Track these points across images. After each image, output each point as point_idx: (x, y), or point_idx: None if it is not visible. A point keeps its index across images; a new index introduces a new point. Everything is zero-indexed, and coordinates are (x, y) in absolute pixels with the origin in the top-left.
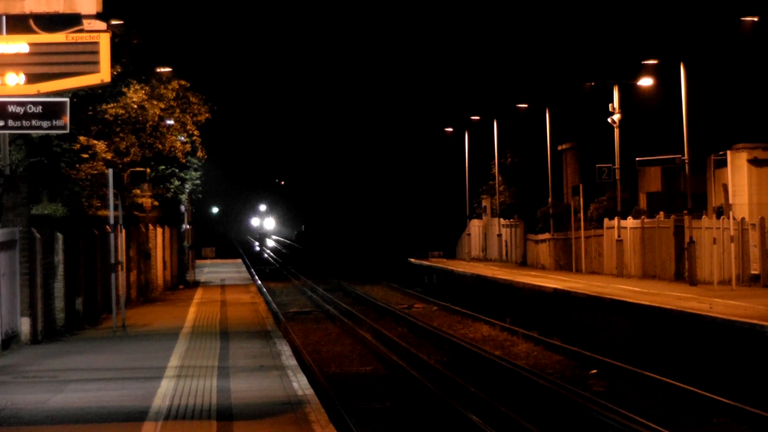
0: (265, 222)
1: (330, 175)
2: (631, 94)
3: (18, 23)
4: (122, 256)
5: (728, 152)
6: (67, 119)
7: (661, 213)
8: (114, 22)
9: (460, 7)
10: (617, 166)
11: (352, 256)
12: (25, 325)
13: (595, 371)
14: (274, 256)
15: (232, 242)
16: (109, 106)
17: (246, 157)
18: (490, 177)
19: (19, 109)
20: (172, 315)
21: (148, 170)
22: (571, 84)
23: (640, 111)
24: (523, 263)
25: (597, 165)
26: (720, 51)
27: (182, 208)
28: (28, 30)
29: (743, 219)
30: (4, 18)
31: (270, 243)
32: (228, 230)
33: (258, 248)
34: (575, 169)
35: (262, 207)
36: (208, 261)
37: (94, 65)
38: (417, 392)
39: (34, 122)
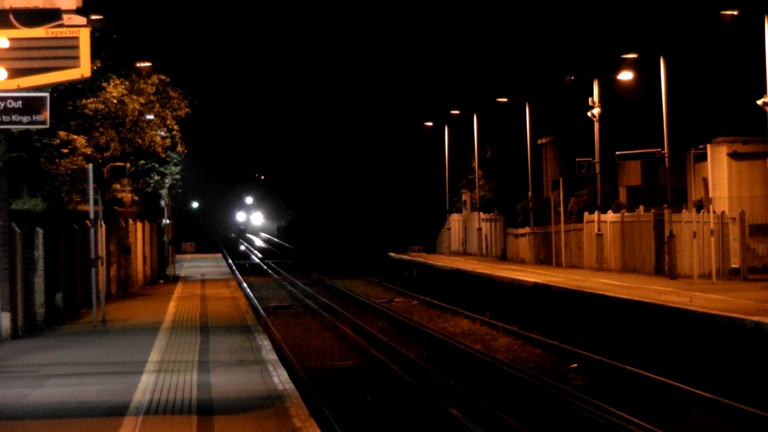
0: (252, 217)
1: (309, 171)
2: (611, 88)
3: None
4: (102, 251)
5: (708, 146)
6: (47, 114)
7: (641, 207)
8: (94, 17)
9: (440, 2)
10: (597, 160)
11: (332, 250)
12: (5, 320)
13: (575, 365)
14: (255, 252)
15: (214, 240)
16: (88, 100)
17: (227, 152)
18: (470, 171)
19: None
20: (152, 310)
21: (128, 165)
22: (551, 78)
23: (620, 105)
24: (503, 257)
25: (577, 159)
26: (700, 45)
27: (162, 202)
28: (8, 25)
29: (723, 213)
30: None
31: (252, 239)
32: (210, 226)
33: (239, 244)
34: (555, 163)
35: (249, 201)
36: (188, 255)
37: (74, 60)
38: (397, 387)
39: (14, 117)
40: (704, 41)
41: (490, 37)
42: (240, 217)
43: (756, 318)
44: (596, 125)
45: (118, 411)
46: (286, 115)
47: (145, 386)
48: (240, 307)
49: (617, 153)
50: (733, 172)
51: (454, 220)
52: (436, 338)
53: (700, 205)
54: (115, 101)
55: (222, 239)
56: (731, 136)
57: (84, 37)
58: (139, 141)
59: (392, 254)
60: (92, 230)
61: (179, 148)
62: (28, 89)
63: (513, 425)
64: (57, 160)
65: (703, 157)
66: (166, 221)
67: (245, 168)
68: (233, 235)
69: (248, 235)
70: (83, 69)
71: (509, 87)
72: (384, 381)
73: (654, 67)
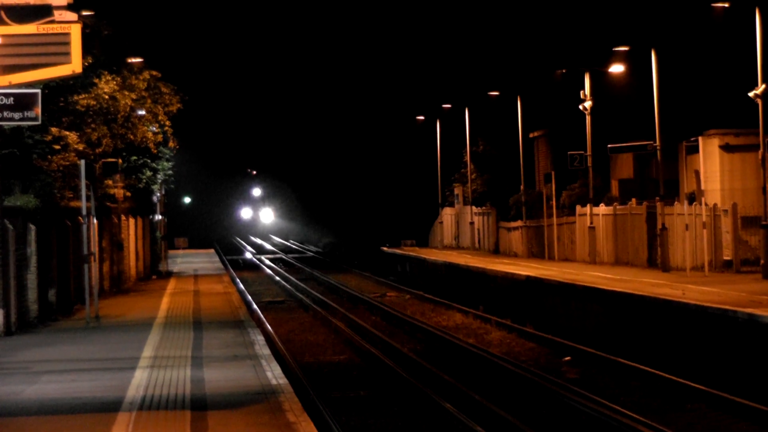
0: (261, 213)
1: (300, 166)
2: (602, 81)
3: None
4: (95, 247)
5: (700, 138)
6: (38, 110)
7: (634, 200)
8: (85, 13)
9: None
10: (589, 153)
11: (325, 244)
12: None
13: (568, 358)
14: (249, 247)
15: (208, 235)
16: (80, 96)
17: (221, 146)
18: (462, 165)
19: None
20: (146, 305)
21: (120, 161)
22: (543, 71)
23: (611, 98)
24: (496, 251)
25: (569, 152)
26: (691, 37)
27: (155, 198)
28: None
29: (715, 205)
30: None
31: (256, 241)
32: (206, 225)
33: (236, 242)
34: (547, 156)
35: (257, 193)
36: (181, 251)
37: (65, 56)
38: (391, 381)
39: (5, 114)
40: (696, 33)
41: (482, 31)
42: (245, 213)
43: (749, 310)
44: (588, 118)
45: (112, 407)
46: (279, 109)
47: (139, 382)
48: (233, 302)
49: (609, 146)
50: (725, 165)
51: (447, 214)
52: (429, 332)
53: (693, 198)
54: (106, 97)
55: (219, 239)
56: (723, 129)
57: (75, 33)
58: (131, 137)
59: (385, 248)
60: (84, 226)
61: (171, 144)
62: (19, 85)
63: (507, 419)
64: (49, 157)
65: (695, 150)
66: (158, 217)
67: (239, 162)
68: (236, 237)
69: (252, 238)
70: (74, 65)
71: (501, 81)
72: (378, 375)
73: (645, 59)
